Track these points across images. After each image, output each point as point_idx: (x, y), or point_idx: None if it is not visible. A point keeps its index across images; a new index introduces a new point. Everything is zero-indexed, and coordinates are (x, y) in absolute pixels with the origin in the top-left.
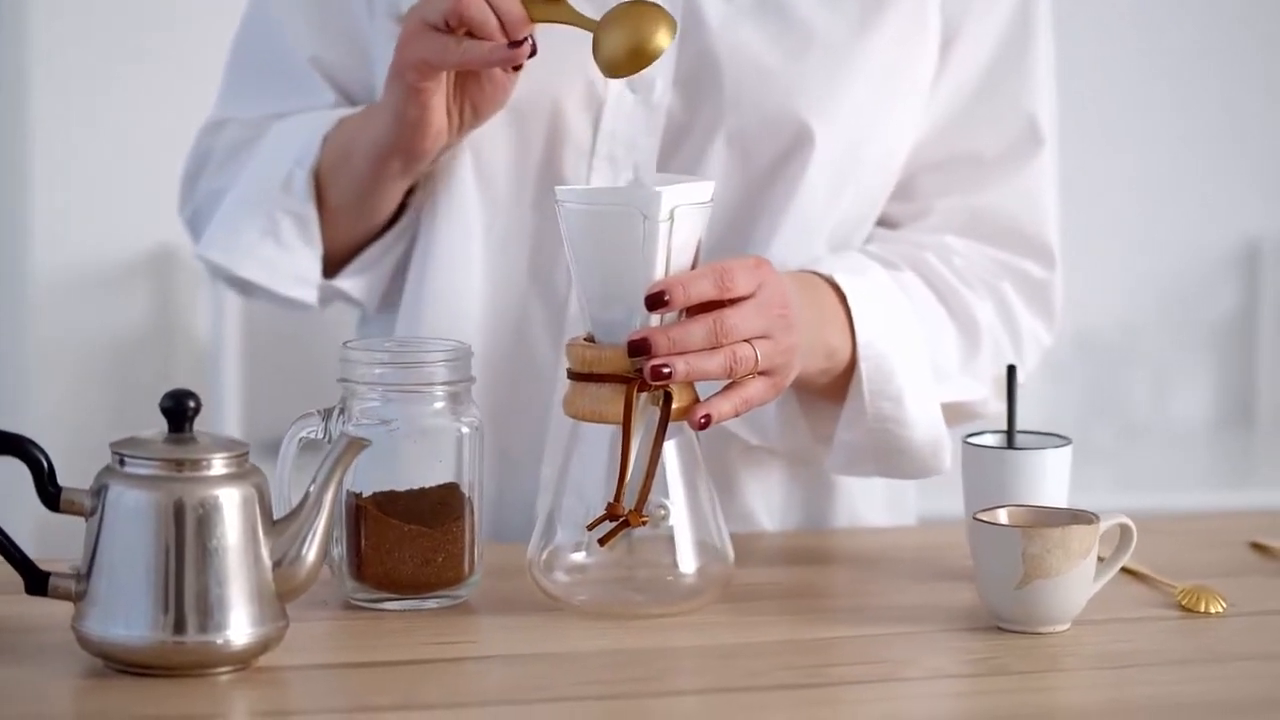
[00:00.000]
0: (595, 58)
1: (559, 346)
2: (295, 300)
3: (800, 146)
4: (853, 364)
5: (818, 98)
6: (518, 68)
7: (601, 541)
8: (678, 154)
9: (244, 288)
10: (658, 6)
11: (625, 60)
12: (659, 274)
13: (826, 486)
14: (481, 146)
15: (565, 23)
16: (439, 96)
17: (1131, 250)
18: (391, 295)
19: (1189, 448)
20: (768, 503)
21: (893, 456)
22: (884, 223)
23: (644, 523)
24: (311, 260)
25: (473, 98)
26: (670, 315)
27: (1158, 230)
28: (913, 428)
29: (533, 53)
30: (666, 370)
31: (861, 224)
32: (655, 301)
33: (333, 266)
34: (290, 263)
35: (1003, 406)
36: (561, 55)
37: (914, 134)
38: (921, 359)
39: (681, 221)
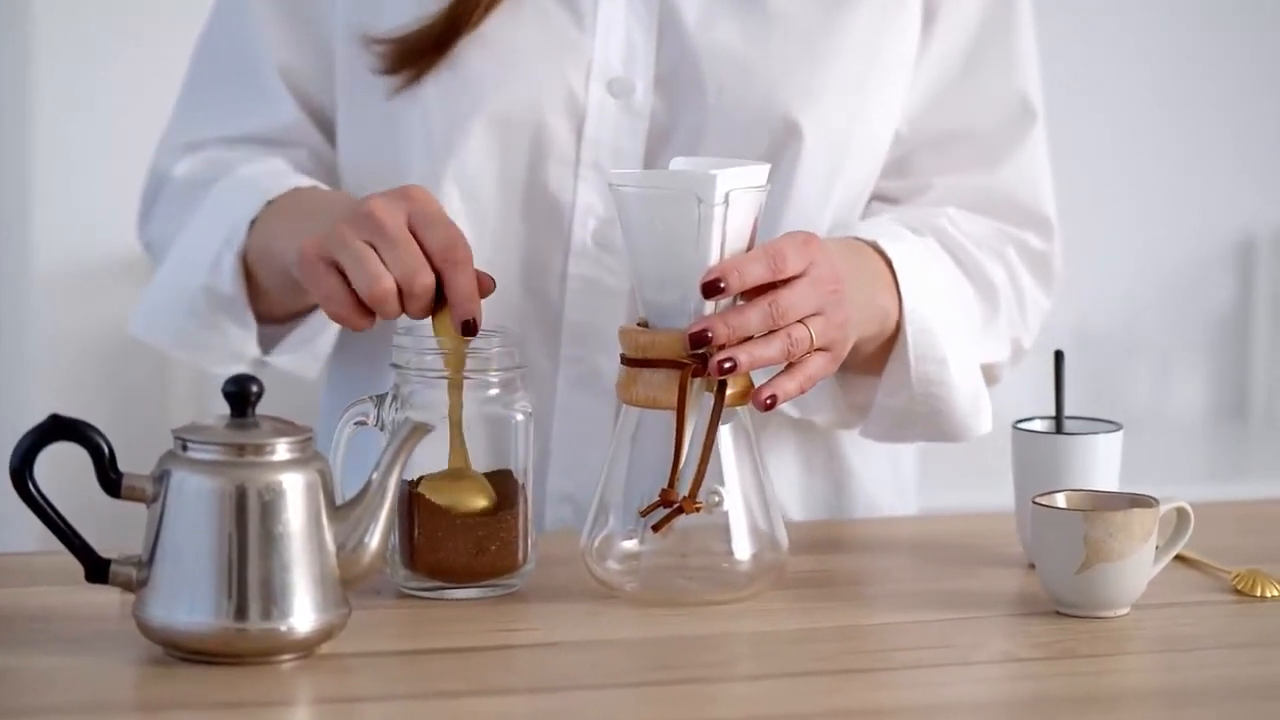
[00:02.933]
0: None
1: (555, 358)
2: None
3: (788, 141)
4: (897, 328)
5: (799, 89)
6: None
7: (655, 528)
8: (663, 157)
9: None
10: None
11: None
12: (714, 258)
13: (842, 473)
14: (465, 162)
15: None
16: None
17: (1129, 244)
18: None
19: (1188, 440)
20: (788, 485)
21: (936, 420)
22: (883, 199)
23: (698, 509)
24: (243, 338)
25: None
26: (725, 300)
27: (1155, 224)
28: (955, 389)
29: (471, 331)
30: (730, 365)
31: (857, 205)
32: (711, 289)
33: (269, 338)
34: (219, 341)
35: (1015, 370)
36: (541, 65)
37: (900, 112)
38: (959, 321)
39: (737, 205)
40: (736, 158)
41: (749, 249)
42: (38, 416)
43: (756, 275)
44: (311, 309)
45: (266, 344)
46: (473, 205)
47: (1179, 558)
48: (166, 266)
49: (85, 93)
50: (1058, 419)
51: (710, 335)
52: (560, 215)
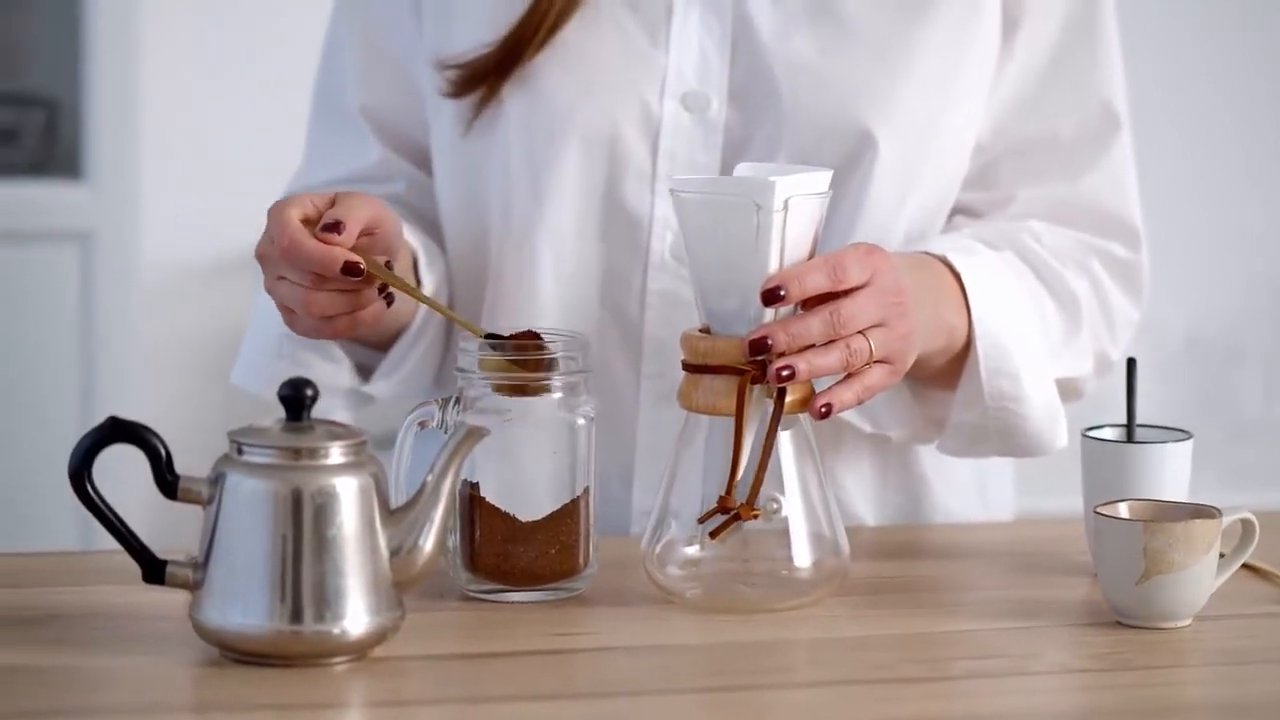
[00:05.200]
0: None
1: (637, 373)
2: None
3: (863, 152)
4: (969, 344)
5: (875, 100)
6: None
7: (713, 535)
8: None
9: None
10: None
11: None
12: (774, 265)
13: (919, 486)
14: (544, 179)
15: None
16: (355, 318)
17: (1241, 250)
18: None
19: None
20: (861, 491)
21: (1011, 435)
22: (966, 212)
23: (755, 516)
24: (332, 373)
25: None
26: (785, 307)
27: (1268, 230)
28: (1030, 405)
29: (357, 273)
30: (787, 373)
31: (936, 217)
32: (771, 297)
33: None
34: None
35: (1102, 384)
36: (617, 81)
37: (981, 122)
38: (1034, 336)
39: (797, 211)
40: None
41: (810, 256)
42: (146, 411)
43: (817, 284)
44: (398, 335)
45: (365, 374)
46: (553, 222)
47: (1249, 568)
48: (256, 314)
49: (193, 94)
50: (1129, 427)
51: (770, 342)
52: (638, 230)
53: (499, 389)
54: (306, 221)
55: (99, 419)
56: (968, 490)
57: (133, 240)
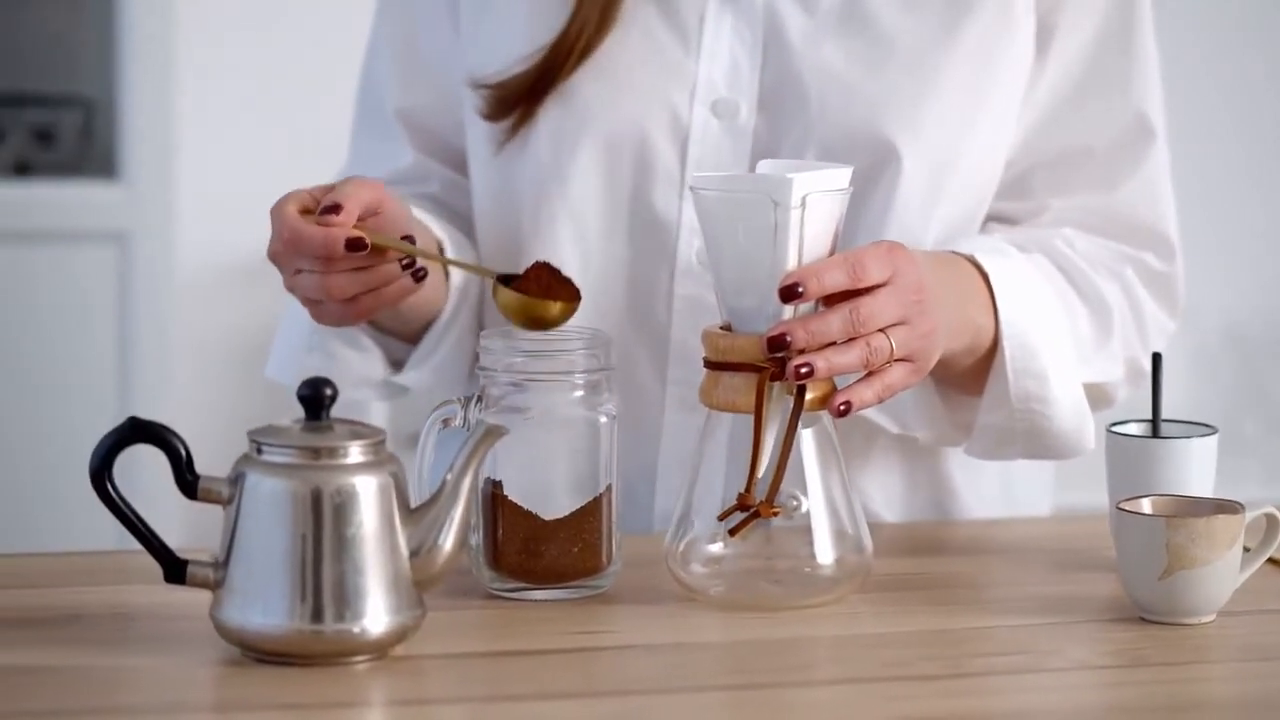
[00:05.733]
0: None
1: (663, 378)
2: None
3: (889, 161)
4: (995, 344)
5: (904, 110)
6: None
7: (732, 532)
8: None
9: None
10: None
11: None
12: (792, 262)
13: (946, 490)
14: (572, 184)
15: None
16: (385, 299)
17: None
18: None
19: None
20: (886, 496)
21: (1038, 437)
22: (999, 220)
23: (775, 514)
24: (363, 363)
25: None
26: (805, 305)
27: None
28: (1057, 406)
29: (361, 246)
30: (806, 370)
31: (966, 227)
32: (789, 293)
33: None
34: (344, 371)
35: (1134, 392)
36: (647, 86)
37: (1014, 133)
38: (1063, 339)
39: (815, 209)
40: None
41: (831, 254)
42: (182, 408)
43: (835, 281)
44: (430, 325)
45: (398, 367)
46: (579, 227)
47: (1275, 563)
48: (288, 309)
49: (228, 90)
50: (1154, 422)
51: (789, 340)
52: (665, 236)
53: (518, 354)
54: (305, 212)
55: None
56: (994, 497)
57: (168, 240)
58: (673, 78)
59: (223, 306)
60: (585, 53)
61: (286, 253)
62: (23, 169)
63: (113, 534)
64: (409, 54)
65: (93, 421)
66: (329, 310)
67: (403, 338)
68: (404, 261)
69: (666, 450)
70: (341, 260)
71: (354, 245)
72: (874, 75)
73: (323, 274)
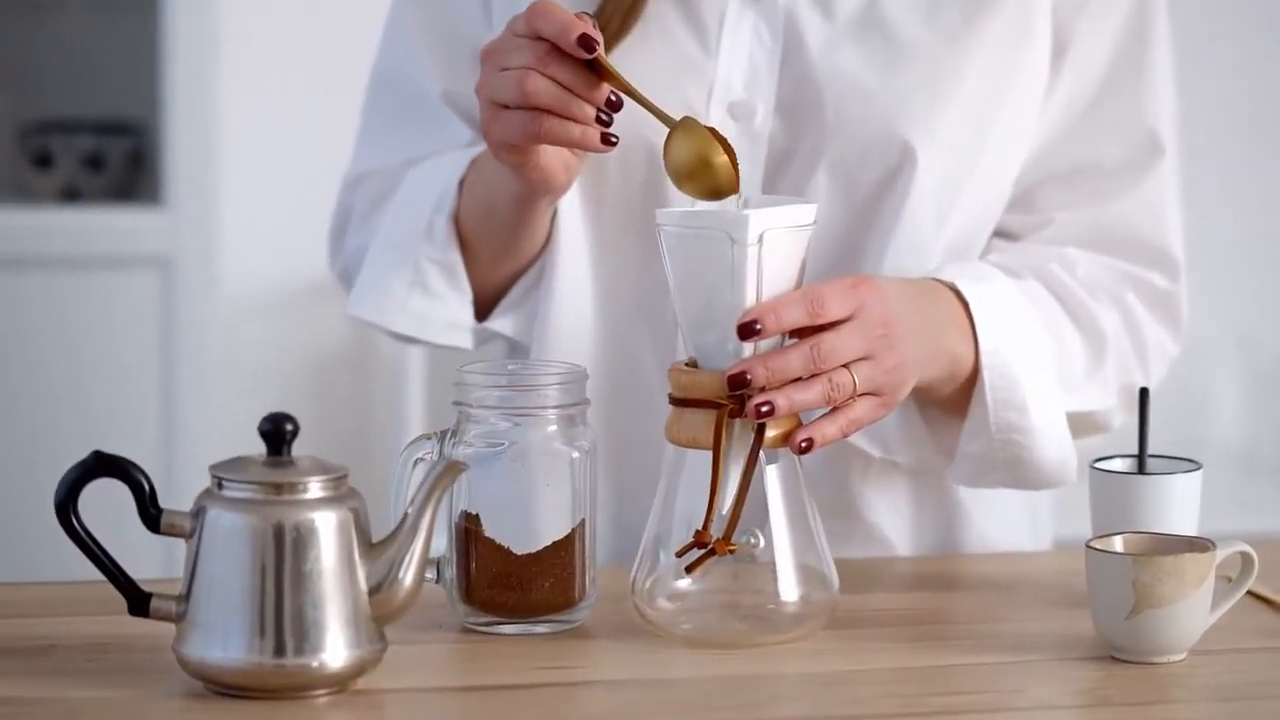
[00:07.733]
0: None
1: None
2: (451, 347)
3: (903, 168)
4: (976, 373)
5: (919, 118)
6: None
7: (688, 569)
8: (781, 181)
9: (400, 337)
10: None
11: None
12: (750, 299)
13: (954, 508)
14: (585, 183)
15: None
16: (547, 156)
17: None
18: None
19: None
20: (896, 523)
21: (1018, 467)
22: (1003, 234)
23: (731, 551)
24: (462, 306)
25: None
26: (769, 341)
27: None
28: (1038, 437)
29: (613, 143)
30: (766, 408)
31: (977, 238)
32: (747, 331)
33: (481, 308)
34: (441, 311)
35: (1129, 419)
36: (664, 87)
37: (1027, 145)
38: (1047, 368)
39: (775, 245)
40: (854, 183)
41: (796, 289)
42: (227, 439)
43: (794, 318)
44: (522, 271)
45: (481, 316)
46: (592, 228)
47: (1265, 600)
48: (377, 246)
49: (276, 115)
50: (1140, 457)
51: (749, 378)
52: None
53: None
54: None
55: (180, 445)
56: (1011, 517)
57: (213, 266)
58: (690, 78)
59: (266, 333)
60: (607, 49)
61: (520, 26)
62: (72, 195)
63: (160, 563)
64: (449, 40)
65: (136, 448)
66: (510, 121)
67: (492, 285)
68: (604, 114)
69: (669, 448)
70: (563, 56)
71: (585, 42)
72: (891, 81)
73: (529, 69)
